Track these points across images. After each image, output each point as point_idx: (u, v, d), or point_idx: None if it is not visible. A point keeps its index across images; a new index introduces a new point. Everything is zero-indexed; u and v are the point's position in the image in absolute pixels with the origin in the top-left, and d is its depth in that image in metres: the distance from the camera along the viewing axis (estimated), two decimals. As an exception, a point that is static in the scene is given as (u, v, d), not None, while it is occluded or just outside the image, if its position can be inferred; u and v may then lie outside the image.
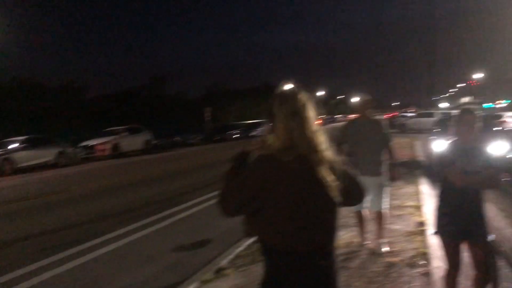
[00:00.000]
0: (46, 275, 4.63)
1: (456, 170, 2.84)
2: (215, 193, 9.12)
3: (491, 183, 2.87)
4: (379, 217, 4.59)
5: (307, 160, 1.67)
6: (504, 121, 18.25)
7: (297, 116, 1.72)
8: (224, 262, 4.41)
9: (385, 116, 36.97)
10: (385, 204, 4.58)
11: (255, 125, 38.12)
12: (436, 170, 3.13)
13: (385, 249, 4.51)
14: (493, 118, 17.51)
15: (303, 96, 1.79)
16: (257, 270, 4.14)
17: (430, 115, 31.01)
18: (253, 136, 30.42)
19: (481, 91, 64.51)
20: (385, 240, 4.66)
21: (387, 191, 4.60)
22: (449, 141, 2.99)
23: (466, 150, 2.89)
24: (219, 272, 4.13)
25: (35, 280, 4.50)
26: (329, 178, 1.67)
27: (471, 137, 2.89)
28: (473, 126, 2.88)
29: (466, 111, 2.96)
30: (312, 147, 1.69)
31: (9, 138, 20.46)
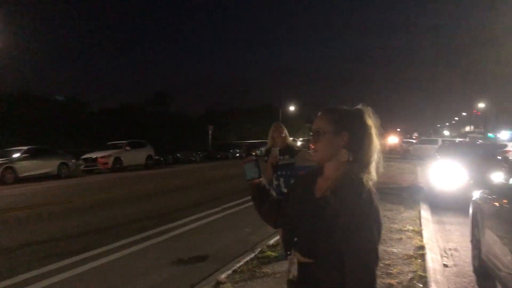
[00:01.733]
0: (44, 283, 4.63)
1: None
2: (214, 209, 9.28)
3: None
4: None
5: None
6: (509, 151, 18.26)
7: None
8: (222, 276, 4.41)
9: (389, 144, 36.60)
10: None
11: (256, 145, 38.29)
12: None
13: None
14: (498, 147, 17.53)
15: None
16: (256, 286, 4.14)
17: (433, 142, 31.05)
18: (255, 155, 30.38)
19: (484, 121, 64.77)
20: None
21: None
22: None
23: None
24: (217, 286, 4.13)
25: (35, 287, 4.50)
26: None
27: None
28: None
29: None
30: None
31: (12, 147, 20.56)
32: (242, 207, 9.46)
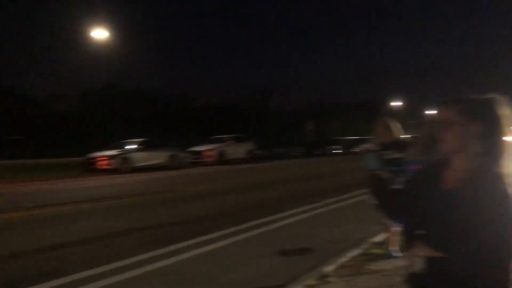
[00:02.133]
0: (155, 265, 4.89)
1: None
2: (316, 204, 9.17)
3: None
4: None
5: None
6: None
7: None
8: (327, 269, 4.30)
9: None
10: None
11: (358, 141, 37.20)
12: None
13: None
14: None
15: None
16: (363, 282, 3.97)
17: None
18: (355, 153, 29.67)
19: None
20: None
21: None
22: None
23: None
24: (323, 279, 4.03)
25: (144, 269, 4.76)
26: None
27: None
28: None
29: None
30: None
31: (127, 140, 22.47)
32: (344, 203, 9.21)
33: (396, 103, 60.02)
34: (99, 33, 27.34)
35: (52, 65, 70.96)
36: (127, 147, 21.16)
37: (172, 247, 5.60)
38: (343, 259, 4.63)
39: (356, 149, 34.17)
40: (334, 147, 38.62)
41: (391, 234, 4.66)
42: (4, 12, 76.40)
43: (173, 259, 5.10)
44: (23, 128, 36.04)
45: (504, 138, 1.48)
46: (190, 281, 4.44)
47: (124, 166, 19.88)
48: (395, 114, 55.60)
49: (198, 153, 25.10)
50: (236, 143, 26.70)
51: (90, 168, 20.19)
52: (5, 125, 35.28)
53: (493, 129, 1.47)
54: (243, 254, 5.40)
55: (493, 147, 1.46)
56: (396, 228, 4.17)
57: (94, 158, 20.49)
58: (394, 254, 4.56)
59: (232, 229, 6.69)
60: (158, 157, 21.73)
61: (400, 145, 4.61)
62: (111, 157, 19.99)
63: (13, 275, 4.65)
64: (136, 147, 21.16)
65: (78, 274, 4.50)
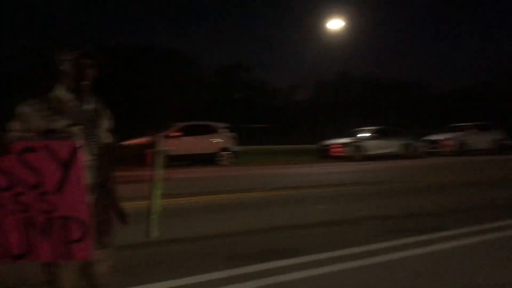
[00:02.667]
0: (385, 257, 4.84)
1: None
2: None
3: None
4: None
5: None
6: None
7: None
8: None
9: None
10: None
11: None
12: None
13: None
14: None
15: None
16: None
17: None
18: None
19: None
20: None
21: None
22: None
23: None
24: None
25: (373, 260, 4.77)
26: None
27: None
28: None
29: None
30: None
31: (359, 128, 22.77)
32: None
33: None
34: (335, 23, 28.37)
35: (293, 57, 77.15)
36: (360, 135, 21.51)
37: (402, 241, 5.44)
38: None
39: None
40: None
41: None
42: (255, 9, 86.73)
43: (403, 253, 4.96)
44: (268, 118, 40.50)
45: None
46: (422, 277, 4.24)
47: (357, 153, 20.28)
48: None
49: (435, 142, 23.52)
50: (479, 131, 23.86)
51: (325, 154, 21.33)
52: (253, 114, 40.30)
53: None
54: (483, 257, 4.84)
55: None
56: None
57: (328, 145, 21.55)
58: None
59: (473, 228, 6.06)
60: (391, 145, 21.35)
61: None
62: (344, 144, 20.65)
63: (247, 250, 5.27)
64: (369, 135, 21.30)
65: (313, 255, 4.83)
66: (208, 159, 17.22)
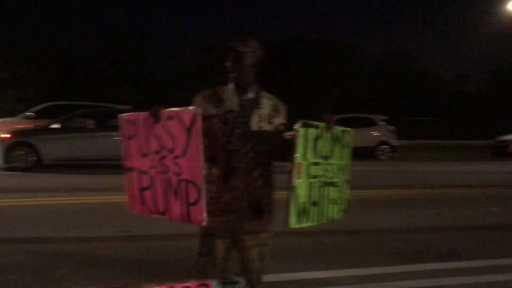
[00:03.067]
0: None
1: None
2: None
3: None
4: None
5: None
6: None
7: None
8: None
9: None
10: None
11: None
12: None
13: None
14: None
15: None
16: None
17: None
18: None
19: None
20: None
21: None
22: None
23: None
24: None
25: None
26: None
27: None
28: None
29: None
30: None
31: None
32: None
33: None
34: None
35: (459, 44, 70.02)
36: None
37: None
38: None
39: None
40: None
41: None
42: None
43: None
44: (432, 110, 37.49)
45: None
46: None
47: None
48: None
49: None
50: None
51: (501, 152, 18.92)
52: (415, 107, 37.73)
53: None
54: None
55: None
56: None
57: (506, 141, 19.03)
58: None
59: None
60: None
61: None
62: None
63: (404, 248, 4.96)
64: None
65: (477, 260, 4.38)
66: (367, 153, 16.72)
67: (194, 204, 2.14)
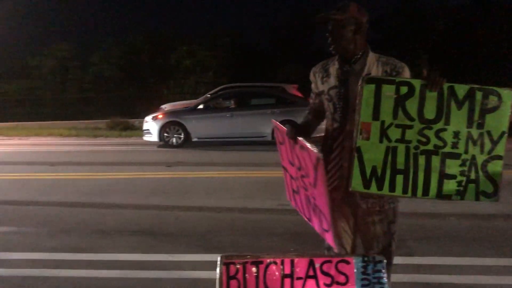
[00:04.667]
0: None
1: None
2: None
3: None
4: None
5: None
6: None
7: None
8: None
9: None
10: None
11: None
12: None
13: None
14: None
15: None
16: None
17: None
18: None
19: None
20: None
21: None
22: None
23: None
24: None
25: None
26: None
27: None
28: None
29: None
30: None
31: None
32: None
33: None
34: None
35: None
36: None
37: None
38: None
39: None
40: None
41: None
42: None
43: None
44: None
45: None
46: None
47: None
48: None
49: None
50: None
51: None
52: None
53: None
54: None
55: None
56: None
57: None
58: None
59: None
60: None
61: None
62: None
63: None
64: None
65: None
66: None
67: (326, 231, 2.14)
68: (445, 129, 2.02)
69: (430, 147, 2.03)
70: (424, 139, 2.03)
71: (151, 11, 66.07)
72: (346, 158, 2.18)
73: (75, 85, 32.71)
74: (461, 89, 2.00)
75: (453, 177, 2.05)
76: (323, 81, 2.26)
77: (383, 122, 2.01)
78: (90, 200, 5.85)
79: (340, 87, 2.20)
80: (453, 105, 2.00)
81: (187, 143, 11.51)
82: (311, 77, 2.34)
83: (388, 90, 1.99)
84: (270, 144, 10.09)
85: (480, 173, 2.05)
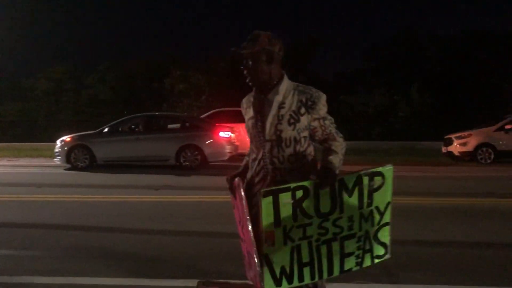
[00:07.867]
0: None
1: None
2: None
3: None
4: None
5: None
6: None
7: None
8: None
9: None
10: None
11: None
12: None
13: None
14: None
15: None
16: None
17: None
18: None
19: None
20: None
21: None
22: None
23: None
24: None
25: None
26: None
27: None
28: None
29: None
30: None
31: None
32: None
33: None
34: None
35: None
36: None
37: None
38: None
39: None
40: None
41: None
42: None
43: None
44: None
45: None
46: None
47: None
48: None
49: None
50: None
51: None
52: None
53: None
54: None
55: None
56: None
57: None
58: None
59: None
60: None
61: None
62: None
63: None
64: None
65: None
66: None
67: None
68: (340, 217, 2.13)
69: (329, 236, 2.14)
70: (323, 231, 2.13)
71: (148, 35, 66.84)
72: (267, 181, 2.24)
73: (69, 107, 32.76)
74: (350, 179, 2.12)
75: (351, 254, 2.20)
76: (246, 112, 2.29)
77: (285, 227, 2.07)
78: (75, 223, 5.77)
79: (256, 117, 2.21)
80: (345, 195, 2.12)
81: (93, 165, 11.76)
82: (241, 108, 2.38)
83: (285, 198, 2.04)
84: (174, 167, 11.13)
85: (373, 242, 2.22)
